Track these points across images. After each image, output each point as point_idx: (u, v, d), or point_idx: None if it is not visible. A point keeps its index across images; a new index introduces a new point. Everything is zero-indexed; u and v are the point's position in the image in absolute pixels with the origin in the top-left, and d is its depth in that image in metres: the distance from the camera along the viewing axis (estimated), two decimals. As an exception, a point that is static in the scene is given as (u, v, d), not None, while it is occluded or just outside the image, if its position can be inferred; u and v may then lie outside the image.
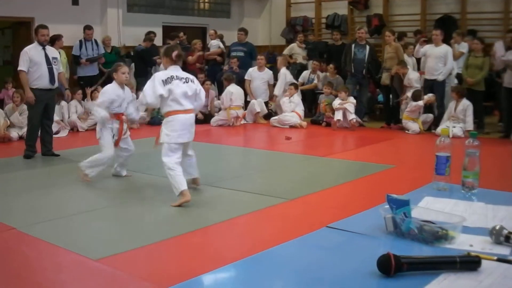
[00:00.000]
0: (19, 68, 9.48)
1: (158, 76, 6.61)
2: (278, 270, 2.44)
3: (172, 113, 6.57)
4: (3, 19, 14.62)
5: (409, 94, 12.42)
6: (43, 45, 9.53)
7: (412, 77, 12.54)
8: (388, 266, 2.24)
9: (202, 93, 6.95)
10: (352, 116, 12.64)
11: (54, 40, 13.20)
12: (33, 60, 9.35)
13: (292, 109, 13.47)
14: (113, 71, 7.70)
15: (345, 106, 12.64)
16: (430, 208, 3.06)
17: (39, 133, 9.74)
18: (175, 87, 6.52)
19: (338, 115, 12.73)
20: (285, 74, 14.33)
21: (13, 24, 15.28)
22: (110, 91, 7.62)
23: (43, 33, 9.52)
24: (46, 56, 9.47)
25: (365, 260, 2.40)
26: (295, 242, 2.85)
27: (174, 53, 6.66)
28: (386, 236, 2.74)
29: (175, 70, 6.69)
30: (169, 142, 6.57)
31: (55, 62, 9.57)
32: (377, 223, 2.83)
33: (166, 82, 6.50)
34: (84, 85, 13.83)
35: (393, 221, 2.74)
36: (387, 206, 2.77)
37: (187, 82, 6.65)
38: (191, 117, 6.73)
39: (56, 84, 9.74)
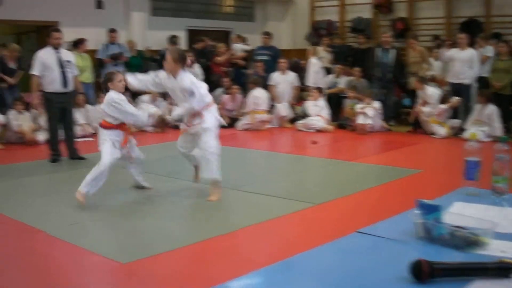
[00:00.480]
0: (31, 72, 9.57)
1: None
2: (308, 276, 2.44)
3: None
4: (28, 23, 14.76)
5: (425, 109, 12.29)
6: (56, 48, 9.55)
7: (431, 94, 12.38)
8: (420, 272, 2.23)
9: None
10: (369, 121, 12.58)
11: (78, 44, 13.33)
12: (46, 64, 9.39)
13: (318, 113, 13.44)
14: (107, 81, 6.96)
15: (365, 111, 12.60)
16: (461, 213, 3.04)
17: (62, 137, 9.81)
18: None
19: (360, 119, 12.69)
20: (314, 63, 14.37)
21: (37, 28, 15.41)
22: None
23: (56, 36, 9.53)
24: (59, 59, 9.49)
25: (397, 266, 2.39)
26: (325, 247, 2.84)
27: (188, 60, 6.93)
28: (417, 242, 2.73)
29: None
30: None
31: (68, 65, 9.59)
32: (408, 228, 2.82)
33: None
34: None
35: (424, 227, 2.73)
36: (418, 211, 2.76)
37: None
38: None
39: (71, 87, 9.71)
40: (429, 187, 7.31)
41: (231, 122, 13.81)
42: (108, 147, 6.84)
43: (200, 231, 5.71)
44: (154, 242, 5.38)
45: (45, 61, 9.40)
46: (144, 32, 15.84)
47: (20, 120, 11.55)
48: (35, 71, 9.41)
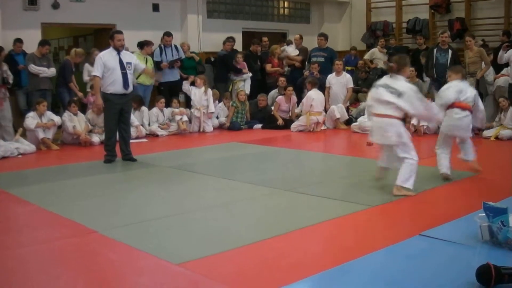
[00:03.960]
0: (93, 73, 9.69)
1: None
2: (370, 282, 2.38)
3: None
4: (86, 26, 14.99)
5: None
6: (118, 50, 9.62)
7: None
8: (489, 277, 2.14)
9: None
10: (424, 123, 12.38)
11: (143, 45, 13.49)
12: (107, 66, 9.45)
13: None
14: None
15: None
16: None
17: (117, 138, 9.86)
18: None
19: (413, 121, 12.50)
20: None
21: (95, 30, 15.62)
22: None
23: (119, 38, 9.60)
24: (121, 61, 9.55)
25: (462, 270, 2.31)
26: (385, 251, 2.78)
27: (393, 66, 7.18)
28: (482, 245, 2.64)
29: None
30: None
31: (129, 67, 9.64)
32: (472, 231, 2.74)
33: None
34: (164, 91, 14.00)
35: (489, 230, 2.64)
36: (483, 214, 2.68)
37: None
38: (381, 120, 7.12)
39: (131, 89, 9.78)
40: (490, 190, 7.12)
41: (285, 123, 13.78)
42: None
43: (255, 233, 5.66)
44: (207, 243, 5.35)
45: (106, 62, 9.45)
46: (200, 34, 15.91)
47: (75, 122, 11.69)
48: (97, 72, 9.49)
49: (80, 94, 12.78)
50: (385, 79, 7.27)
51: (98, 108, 9.73)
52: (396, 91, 6.96)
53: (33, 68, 12.04)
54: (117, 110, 9.60)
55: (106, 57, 9.52)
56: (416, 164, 7.04)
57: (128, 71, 9.59)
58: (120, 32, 9.80)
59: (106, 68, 9.45)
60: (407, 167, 6.95)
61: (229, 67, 14.97)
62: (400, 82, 7.05)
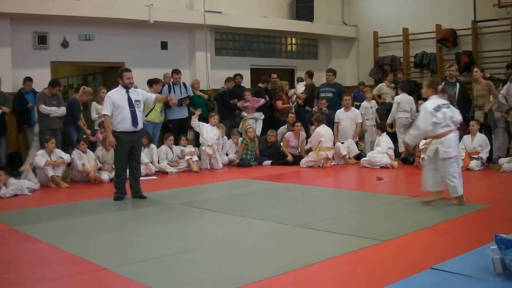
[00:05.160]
0: (102, 112, 9.70)
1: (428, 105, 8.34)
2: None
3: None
4: (95, 64, 15.15)
5: None
6: (127, 88, 9.63)
7: None
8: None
9: None
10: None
11: (152, 83, 13.56)
12: (116, 104, 9.46)
13: (382, 149, 13.28)
14: None
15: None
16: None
17: (127, 176, 9.83)
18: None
19: (423, 155, 12.46)
20: (397, 102, 14.35)
21: (104, 69, 15.75)
22: None
23: (128, 76, 9.62)
24: (129, 99, 9.56)
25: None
26: (397, 285, 2.75)
27: (439, 87, 8.64)
28: (495, 278, 2.61)
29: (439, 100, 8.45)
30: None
31: (138, 104, 9.63)
32: (484, 264, 2.71)
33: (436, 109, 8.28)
34: (173, 128, 14.02)
35: (502, 262, 2.61)
36: (495, 246, 2.66)
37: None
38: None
39: (140, 126, 9.76)
40: (502, 222, 7.06)
41: (294, 159, 13.79)
42: None
43: (265, 269, 5.62)
44: (219, 280, 5.32)
45: (115, 101, 9.48)
46: (208, 71, 16.00)
47: (84, 159, 11.74)
48: (106, 111, 9.51)
49: (88, 131, 12.84)
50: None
51: (110, 146, 9.72)
52: None
53: (43, 108, 12.10)
54: (127, 148, 9.61)
55: (115, 96, 9.54)
56: None
57: (136, 109, 9.59)
58: (129, 70, 9.81)
59: (115, 107, 9.46)
60: None
61: (227, 105, 15.10)
62: None
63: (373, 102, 14.96)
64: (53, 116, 12.29)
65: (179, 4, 15.79)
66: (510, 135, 13.25)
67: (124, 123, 9.51)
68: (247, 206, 9.10)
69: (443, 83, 13.20)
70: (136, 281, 5.29)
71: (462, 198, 8.43)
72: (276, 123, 15.56)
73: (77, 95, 13.12)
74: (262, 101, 15.17)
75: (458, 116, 8.61)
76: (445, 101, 8.47)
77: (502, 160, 12.04)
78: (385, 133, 13.64)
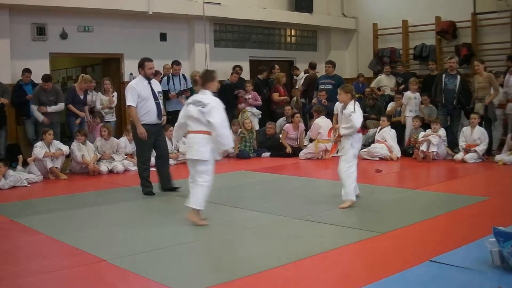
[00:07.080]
0: (128, 104, 9.12)
1: None
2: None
3: None
4: (94, 55, 15.12)
5: None
6: (149, 79, 9.24)
7: None
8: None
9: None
10: (433, 149, 12.37)
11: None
12: (141, 95, 9.02)
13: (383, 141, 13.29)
14: None
15: (429, 138, 12.40)
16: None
17: (156, 168, 9.55)
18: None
19: (422, 147, 12.48)
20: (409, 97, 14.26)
21: (102, 60, 15.73)
22: None
23: (150, 66, 9.18)
24: (152, 90, 9.18)
25: (473, 296, 2.29)
26: (396, 277, 2.75)
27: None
28: (493, 271, 2.61)
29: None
30: None
31: (160, 96, 9.30)
32: (482, 256, 2.71)
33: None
34: (172, 119, 13.97)
35: (500, 255, 2.61)
36: (493, 239, 2.65)
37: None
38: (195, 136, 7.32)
39: (162, 118, 9.56)
40: (499, 214, 7.07)
41: (294, 151, 13.78)
42: None
43: (264, 261, 5.63)
44: (216, 272, 5.34)
45: (140, 92, 9.03)
46: (207, 63, 15.97)
47: (84, 151, 11.74)
48: (132, 102, 9.01)
49: (82, 114, 12.73)
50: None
51: (142, 138, 9.05)
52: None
53: (35, 112, 12.17)
54: (151, 140, 9.21)
55: (139, 87, 9.08)
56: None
57: (160, 100, 9.27)
58: (150, 60, 9.29)
59: (140, 98, 9.02)
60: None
61: (228, 98, 15.08)
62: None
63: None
64: (51, 111, 12.26)
65: (178, -5, 15.77)
66: (507, 128, 13.21)
67: (149, 116, 9.10)
68: (245, 198, 9.10)
69: (443, 75, 13.32)
70: (134, 272, 5.29)
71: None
72: (273, 115, 15.55)
73: (76, 84, 13.09)
74: (259, 102, 15.16)
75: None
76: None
77: (498, 157, 12.02)
78: (387, 125, 13.57)
